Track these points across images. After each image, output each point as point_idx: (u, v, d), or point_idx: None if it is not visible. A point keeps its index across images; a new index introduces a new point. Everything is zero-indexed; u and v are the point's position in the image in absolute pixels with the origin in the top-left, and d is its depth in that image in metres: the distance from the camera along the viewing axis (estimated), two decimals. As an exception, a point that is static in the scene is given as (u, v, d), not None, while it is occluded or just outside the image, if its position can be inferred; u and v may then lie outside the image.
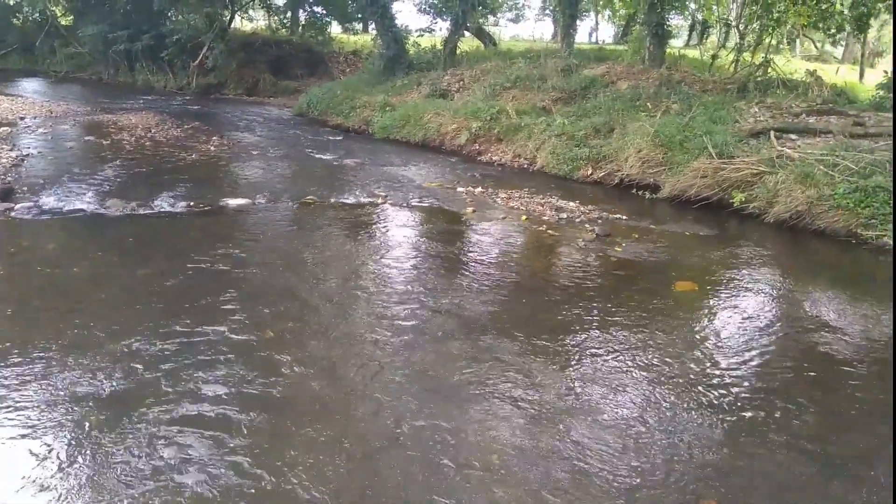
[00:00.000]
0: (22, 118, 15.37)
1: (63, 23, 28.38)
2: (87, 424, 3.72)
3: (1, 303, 5.35)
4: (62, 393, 4.01)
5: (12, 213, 7.69)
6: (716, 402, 4.26)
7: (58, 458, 3.44)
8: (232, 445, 3.59)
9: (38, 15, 28.13)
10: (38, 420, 3.74)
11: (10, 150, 11.31)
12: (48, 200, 8.29)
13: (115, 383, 4.15)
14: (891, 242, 7.59)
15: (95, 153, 11.84)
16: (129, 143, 12.91)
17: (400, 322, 5.28)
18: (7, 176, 9.43)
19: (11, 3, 29.70)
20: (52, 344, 4.61)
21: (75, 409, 3.86)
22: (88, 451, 3.50)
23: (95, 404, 3.92)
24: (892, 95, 9.94)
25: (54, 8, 27.62)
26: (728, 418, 4.08)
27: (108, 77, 26.03)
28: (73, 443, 3.56)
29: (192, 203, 8.51)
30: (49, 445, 3.53)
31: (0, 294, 5.57)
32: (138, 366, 4.36)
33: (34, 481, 3.26)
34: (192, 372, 4.31)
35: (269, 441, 3.65)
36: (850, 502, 3.37)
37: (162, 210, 8.23)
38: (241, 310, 5.33)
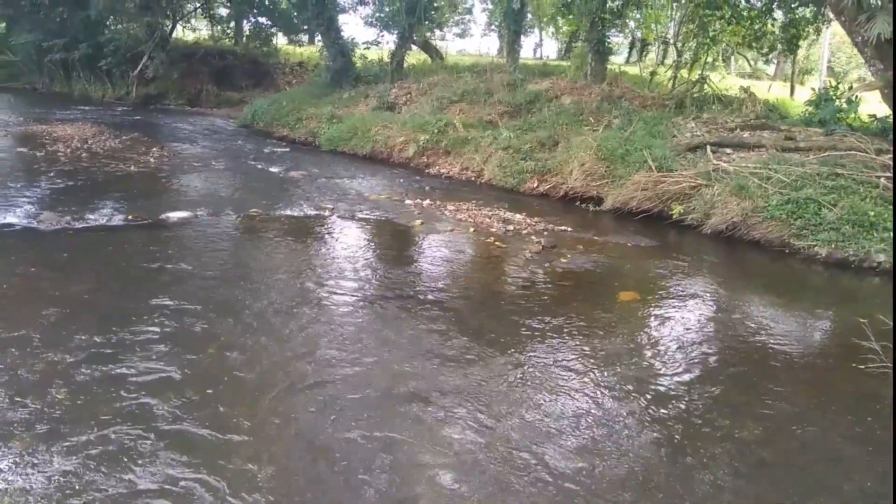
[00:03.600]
0: (-53, 128, 14.67)
1: (-7, 31, 27.30)
2: (14, 446, 3.54)
3: (-79, 322, 5.06)
4: (-12, 416, 3.81)
5: (-65, 228, 7.30)
6: (657, 408, 4.36)
7: (-18, 485, 3.26)
8: (162, 463, 3.48)
9: (-34, 22, 27.08)
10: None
11: (-66, 161, 10.76)
12: (-25, 214, 7.91)
13: (43, 405, 3.96)
14: (821, 252, 7.93)
15: (28, 165, 11.37)
16: (65, 154, 12.45)
17: (344, 335, 5.22)
18: (-71, 188, 8.96)
19: (-63, 8, 28.44)
20: (-23, 365, 4.38)
21: (3, 437, 3.68)
22: (11, 476, 3.33)
23: (22, 427, 3.73)
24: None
25: (-16, 15, 26.53)
26: (668, 424, 4.18)
27: (43, 87, 25.09)
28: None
29: (130, 216, 8.25)
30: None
31: (-80, 313, 5.27)
32: (68, 387, 4.18)
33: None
34: (126, 393, 4.15)
35: (204, 457, 3.55)
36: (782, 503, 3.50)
37: (98, 224, 7.94)
38: (179, 327, 5.18)
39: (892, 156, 9.27)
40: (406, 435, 3.88)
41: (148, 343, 4.85)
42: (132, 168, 11.63)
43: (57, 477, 3.34)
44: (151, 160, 12.52)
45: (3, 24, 26.77)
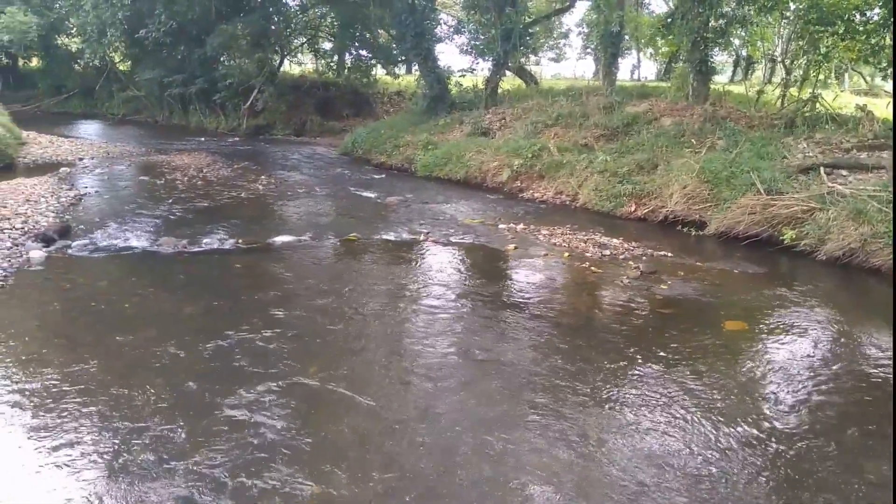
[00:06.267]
0: (81, 159, 16.10)
1: (121, 68, 29.87)
2: (132, 459, 3.79)
3: (55, 337, 5.55)
4: (109, 426, 4.11)
5: (69, 251, 8.00)
6: (767, 448, 4.09)
7: (104, 487, 3.50)
8: (275, 480, 3.61)
9: (98, 61, 29.69)
10: (84, 452, 3.83)
11: (69, 189, 11.83)
12: (103, 238, 8.62)
13: (161, 420, 4.23)
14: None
15: (149, 192, 12.29)
16: (182, 182, 13.37)
17: (442, 362, 5.26)
18: (65, 214, 9.85)
19: (74, 49, 31.44)
20: (101, 378, 4.74)
21: (119, 443, 3.94)
22: (130, 486, 3.56)
23: (139, 440, 3.99)
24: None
25: (113, 54, 29.06)
26: (782, 465, 3.91)
27: (163, 119, 27.13)
28: (116, 476, 3.63)
29: (240, 241, 8.73)
30: (94, 479, 3.60)
31: (54, 329, 5.78)
32: (184, 403, 4.45)
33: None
34: (237, 410, 4.36)
35: (308, 477, 3.65)
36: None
37: (211, 247, 8.45)
38: (283, 346, 5.40)
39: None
40: (502, 459, 3.84)
41: (255, 363, 5.09)
42: (242, 195, 12.33)
43: (179, 483, 3.55)
44: (260, 187, 13.22)
45: (130, 63, 29.27)
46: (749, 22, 15.90)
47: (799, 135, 12.07)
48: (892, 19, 12.78)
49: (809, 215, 9.03)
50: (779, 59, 17.66)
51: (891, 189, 8.73)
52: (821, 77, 15.00)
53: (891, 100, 19.96)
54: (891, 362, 5.43)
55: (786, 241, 8.91)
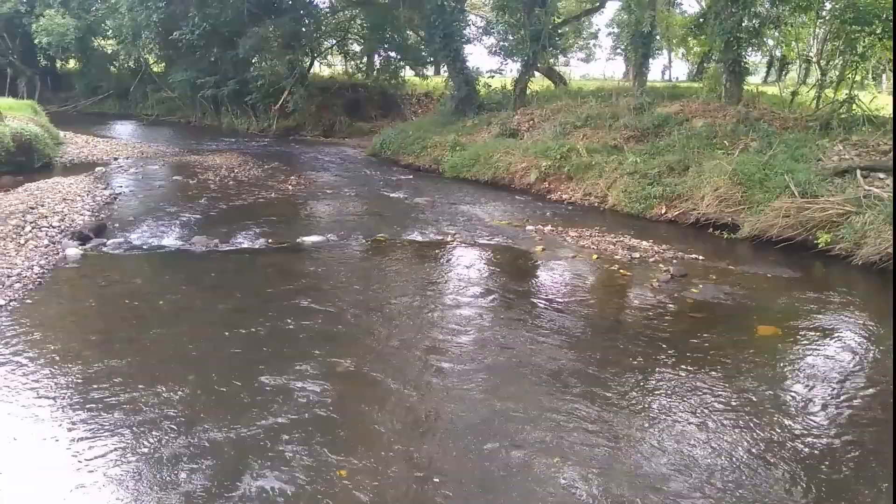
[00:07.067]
0: (116, 159, 16.43)
1: (155, 70, 30.39)
2: (163, 447, 3.86)
3: (91, 333, 5.68)
4: (143, 418, 4.20)
5: (104, 248, 8.18)
6: (803, 456, 4.02)
7: (141, 477, 3.58)
8: (293, 476, 3.64)
9: (132, 63, 30.29)
10: (120, 444, 3.92)
11: (105, 188, 12.09)
12: (137, 236, 8.79)
13: (193, 412, 4.30)
14: None
15: (182, 192, 12.50)
16: (214, 182, 13.58)
17: (470, 361, 5.27)
18: (101, 213, 10.06)
19: (109, 51, 32.16)
20: (135, 373, 4.84)
21: (155, 433, 4.02)
22: (159, 475, 3.63)
23: (172, 430, 4.07)
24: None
25: (148, 56, 29.62)
26: (816, 474, 3.83)
27: (196, 120, 27.55)
28: (150, 466, 3.70)
29: (270, 240, 8.83)
30: (135, 468, 3.68)
31: (90, 325, 5.91)
32: (216, 396, 4.52)
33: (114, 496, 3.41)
34: (267, 404, 4.42)
35: (326, 470, 3.68)
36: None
37: (242, 246, 8.57)
38: (314, 344, 5.46)
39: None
40: (524, 466, 3.83)
41: (286, 357, 5.15)
42: (272, 195, 12.47)
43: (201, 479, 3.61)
44: (289, 187, 13.36)
45: (164, 64, 29.80)
46: (783, 22, 15.60)
47: (835, 137, 11.80)
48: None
49: (845, 219, 8.83)
50: (814, 59, 17.25)
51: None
52: (857, 78, 14.62)
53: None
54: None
55: (820, 245, 8.74)
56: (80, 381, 4.70)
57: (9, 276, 6.68)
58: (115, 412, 4.28)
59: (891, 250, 7.97)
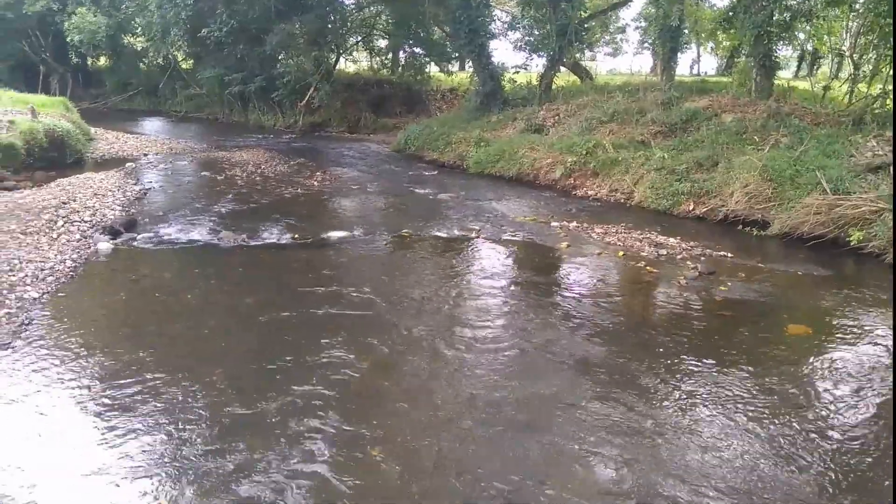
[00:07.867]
0: (145, 154, 16.69)
1: (184, 67, 30.81)
2: (192, 440, 3.92)
3: (121, 326, 5.78)
4: (171, 406, 4.26)
5: (134, 243, 8.32)
6: (834, 455, 3.94)
7: (166, 469, 3.64)
8: (322, 469, 3.67)
9: (161, 60, 30.71)
10: (148, 430, 3.98)
11: (135, 183, 12.28)
12: (167, 231, 8.92)
13: (219, 403, 4.36)
14: None
15: (210, 187, 12.65)
16: (241, 178, 13.71)
17: (493, 357, 5.26)
18: (131, 208, 10.23)
19: (139, 49, 32.66)
20: (163, 365, 4.91)
21: (182, 422, 4.08)
22: (188, 462, 3.68)
23: (201, 423, 4.12)
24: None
25: (176, 53, 30.01)
26: (847, 473, 3.76)
27: (224, 117, 27.85)
28: (179, 457, 3.76)
29: (296, 235, 8.90)
30: (163, 452, 3.74)
31: (120, 318, 6.01)
32: (242, 388, 4.57)
33: (149, 488, 3.47)
34: (292, 395, 4.46)
35: (357, 462, 3.70)
36: None
37: (268, 241, 8.65)
38: (340, 338, 5.48)
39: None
40: (546, 464, 3.82)
41: (309, 352, 5.19)
42: (298, 191, 12.56)
43: (228, 472, 3.66)
44: (315, 183, 13.44)
45: (192, 61, 30.19)
46: (815, 15, 15.27)
47: (868, 132, 11.53)
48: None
49: (878, 216, 8.63)
50: (846, 53, 16.89)
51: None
52: (891, 72, 14.30)
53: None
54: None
55: (853, 243, 8.56)
56: (109, 372, 4.78)
57: (42, 270, 6.83)
58: (145, 402, 4.35)
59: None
